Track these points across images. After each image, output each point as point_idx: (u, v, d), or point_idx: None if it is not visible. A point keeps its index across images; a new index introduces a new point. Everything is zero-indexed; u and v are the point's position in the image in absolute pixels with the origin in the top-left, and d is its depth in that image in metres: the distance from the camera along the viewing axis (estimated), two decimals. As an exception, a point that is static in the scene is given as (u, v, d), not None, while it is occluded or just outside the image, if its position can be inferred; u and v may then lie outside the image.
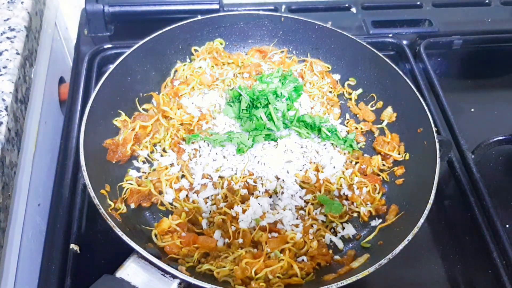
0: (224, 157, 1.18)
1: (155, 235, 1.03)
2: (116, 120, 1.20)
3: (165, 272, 0.88)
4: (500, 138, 1.27)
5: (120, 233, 0.89)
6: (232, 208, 1.08)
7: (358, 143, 1.28)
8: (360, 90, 1.39)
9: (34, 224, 1.17)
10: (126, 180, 1.13)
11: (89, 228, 1.09)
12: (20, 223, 1.08)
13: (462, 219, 1.17)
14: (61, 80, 1.53)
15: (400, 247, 0.93)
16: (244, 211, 1.07)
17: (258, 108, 1.22)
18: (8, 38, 1.15)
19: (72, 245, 1.02)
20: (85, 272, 1.00)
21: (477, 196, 1.17)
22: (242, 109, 1.23)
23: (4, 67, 1.08)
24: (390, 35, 1.58)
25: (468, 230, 1.15)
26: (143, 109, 1.28)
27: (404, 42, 1.56)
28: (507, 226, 1.15)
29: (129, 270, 0.88)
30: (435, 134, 1.13)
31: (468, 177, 1.21)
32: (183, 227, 1.04)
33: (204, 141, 1.19)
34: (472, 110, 1.46)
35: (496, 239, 1.09)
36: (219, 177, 1.15)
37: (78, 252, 1.03)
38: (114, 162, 1.14)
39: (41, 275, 1.02)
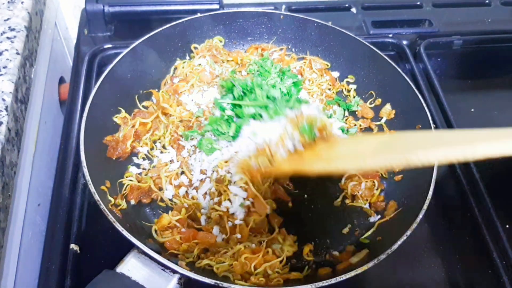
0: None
1: (155, 231, 1.03)
2: (116, 117, 1.20)
3: (165, 267, 0.88)
4: (500, 138, 1.27)
5: (120, 228, 0.89)
6: (221, 205, 1.08)
7: (357, 141, 1.27)
8: (354, 86, 1.39)
9: (34, 224, 1.16)
10: (126, 177, 1.13)
11: (89, 228, 1.09)
12: (20, 223, 1.08)
13: (462, 219, 1.17)
14: (61, 80, 1.53)
15: (399, 242, 0.93)
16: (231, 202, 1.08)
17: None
18: (8, 38, 1.15)
19: (72, 245, 1.03)
20: (85, 272, 1.00)
21: (477, 196, 1.17)
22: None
23: (4, 67, 1.08)
24: (390, 35, 1.58)
25: (468, 230, 1.15)
26: (143, 106, 1.28)
27: (404, 42, 1.56)
28: (507, 226, 1.15)
29: (130, 265, 0.88)
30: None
31: (468, 177, 1.21)
32: (183, 223, 1.05)
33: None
34: (472, 110, 1.46)
35: (496, 239, 1.09)
36: (212, 170, 1.15)
37: (78, 252, 1.03)
38: (114, 158, 1.14)
39: (41, 275, 1.02)
